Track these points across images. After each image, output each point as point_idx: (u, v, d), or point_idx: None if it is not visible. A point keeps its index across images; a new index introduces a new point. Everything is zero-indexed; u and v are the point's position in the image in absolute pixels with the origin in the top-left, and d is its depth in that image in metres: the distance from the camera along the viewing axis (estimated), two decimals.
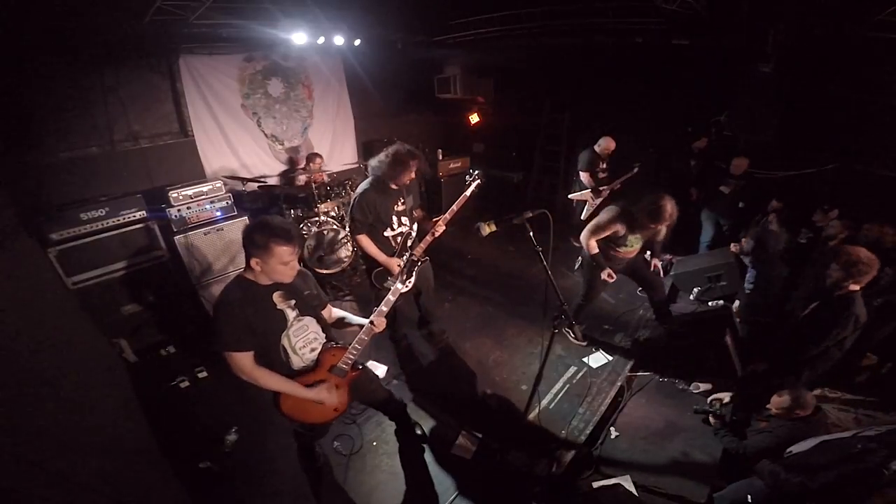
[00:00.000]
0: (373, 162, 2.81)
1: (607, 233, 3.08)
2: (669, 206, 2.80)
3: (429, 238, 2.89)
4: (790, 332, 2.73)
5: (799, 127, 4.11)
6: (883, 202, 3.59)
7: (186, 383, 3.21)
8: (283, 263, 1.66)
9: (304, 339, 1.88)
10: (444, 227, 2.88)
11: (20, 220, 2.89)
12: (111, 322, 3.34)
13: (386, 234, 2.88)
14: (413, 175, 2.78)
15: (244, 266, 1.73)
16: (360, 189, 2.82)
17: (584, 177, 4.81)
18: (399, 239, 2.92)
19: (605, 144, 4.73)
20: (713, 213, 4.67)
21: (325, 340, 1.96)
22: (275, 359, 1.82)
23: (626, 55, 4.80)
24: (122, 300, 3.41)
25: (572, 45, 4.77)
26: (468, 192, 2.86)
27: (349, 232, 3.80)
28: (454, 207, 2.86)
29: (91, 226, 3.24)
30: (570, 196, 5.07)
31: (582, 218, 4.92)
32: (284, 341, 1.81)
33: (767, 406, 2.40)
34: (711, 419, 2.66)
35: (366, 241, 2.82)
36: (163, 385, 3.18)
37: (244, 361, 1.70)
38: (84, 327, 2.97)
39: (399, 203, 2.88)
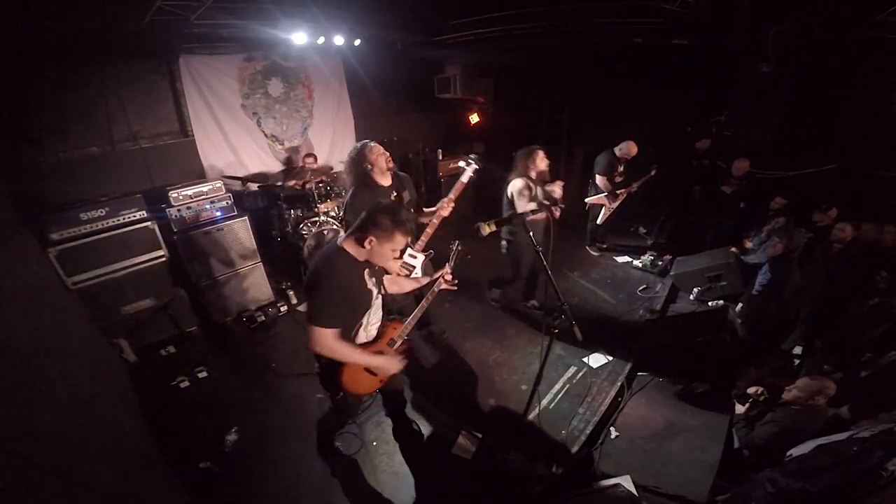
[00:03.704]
0: (345, 165, 2.85)
1: (530, 192, 3.33)
2: (538, 148, 3.34)
3: (429, 231, 2.84)
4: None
5: (799, 127, 4.11)
6: (883, 202, 3.59)
7: (186, 383, 3.20)
8: (394, 251, 1.72)
9: (377, 315, 1.95)
10: (449, 209, 2.80)
11: (20, 220, 2.88)
12: (111, 322, 3.34)
13: None
14: (386, 154, 2.79)
15: (346, 238, 1.74)
16: (350, 192, 2.82)
17: (600, 181, 4.63)
18: None
19: (627, 149, 4.54)
20: (714, 212, 4.67)
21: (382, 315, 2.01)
22: (348, 334, 1.82)
23: (626, 55, 4.80)
24: (122, 300, 3.41)
25: (572, 45, 4.76)
26: (465, 179, 2.77)
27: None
28: (452, 195, 2.79)
29: (91, 226, 3.23)
30: (585, 200, 4.89)
31: (598, 222, 4.79)
32: (364, 318, 1.86)
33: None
34: (744, 409, 2.61)
35: None
36: (163, 385, 3.18)
37: (329, 337, 1.68)
38: (84, 327, 2.96)
39: (393, 197, 2.86)
